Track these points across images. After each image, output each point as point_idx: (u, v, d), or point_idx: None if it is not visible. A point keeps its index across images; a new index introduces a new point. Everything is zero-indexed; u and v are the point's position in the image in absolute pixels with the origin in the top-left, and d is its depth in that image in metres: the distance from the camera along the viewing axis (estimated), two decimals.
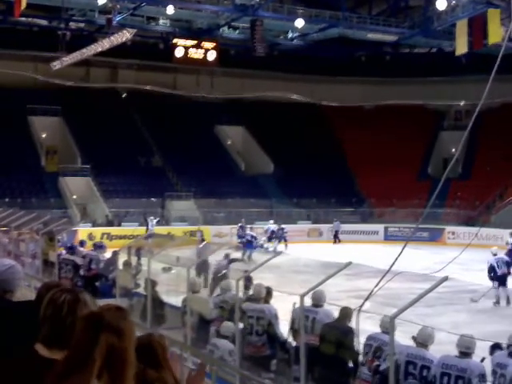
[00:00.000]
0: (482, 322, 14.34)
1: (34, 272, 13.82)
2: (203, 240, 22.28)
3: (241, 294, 8.77)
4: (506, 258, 18.15)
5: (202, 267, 13.00)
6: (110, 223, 32.47)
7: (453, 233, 33.80)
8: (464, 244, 10.41)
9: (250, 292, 9.39)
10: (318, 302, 8.06)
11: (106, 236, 29.63)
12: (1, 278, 3.86)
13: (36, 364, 2.37)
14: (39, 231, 14.21)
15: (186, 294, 9.27)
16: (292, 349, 8.05)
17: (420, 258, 22.06)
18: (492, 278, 16.87)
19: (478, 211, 35.76)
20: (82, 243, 16.99)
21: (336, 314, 7.99)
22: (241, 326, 8.29)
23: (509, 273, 17.26)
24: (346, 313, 7.54)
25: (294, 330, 8.23)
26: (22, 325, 3.09)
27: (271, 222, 30.40)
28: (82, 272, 13.69)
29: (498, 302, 16.54)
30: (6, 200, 30.99)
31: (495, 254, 17.70)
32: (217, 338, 8.44)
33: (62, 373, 2.14)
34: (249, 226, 29.80)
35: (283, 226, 30.10)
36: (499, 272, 16.96)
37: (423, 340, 6.83)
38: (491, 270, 17.01)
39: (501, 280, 16.78)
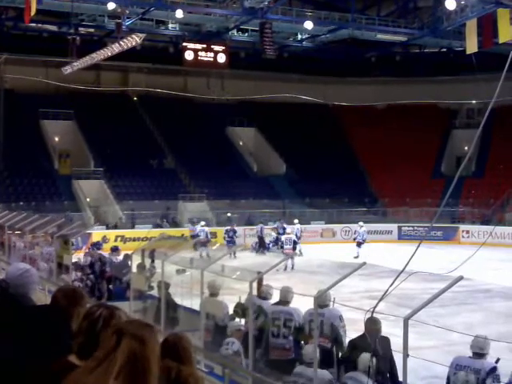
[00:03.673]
0: (496, 322, 14.24)
1: (49, 276, 13.89)
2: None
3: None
4: (295, 238, 24.96)
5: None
6: (123, 225, 32.64)
7: (467, 231, 33.60)
8: (478, 243, 10.38)
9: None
10: (323, 302, 8.03)
11: (119, 238, 29.76)
12: (16, 282, 3.89)
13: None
14: (53, 235, 14.28)
15: (201, 296, 9.23)
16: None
17: (434, 258, 21.94)
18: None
19: (492, 209, 35.56)
20: (98, 245, 17.09)
21: (344, 313, 8.00)
22: (251, 325, 8.23)
23: (294, 249, 24.46)
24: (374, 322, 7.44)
25: (303, 334, 8.23)
26: (40, 329, 3.13)
27: (296, 221, 30.10)
28: (88, 271, 13.78)
29: (285, 269, 21.82)
30: (21, 203, 31.27)
31: (287, 233, 25.72)
32: (228, 338, 8.44)
33: (84, 371, 2.20)
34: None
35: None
36: (286, 247, 24.41)
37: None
38: (277, 242, 24.82)
39: (286, 255, 22.38)
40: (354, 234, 29.02)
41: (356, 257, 26.13)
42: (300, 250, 27.25)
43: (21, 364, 2.76)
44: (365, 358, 6.85)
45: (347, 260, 24.73)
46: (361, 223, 28.66)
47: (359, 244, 27.25)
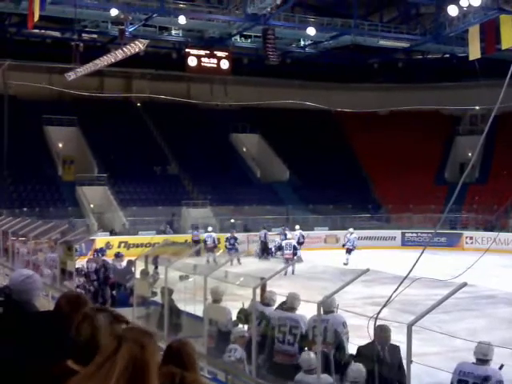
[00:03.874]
0: (500, 328, 14.20)
1: (52, 282, 13.90)
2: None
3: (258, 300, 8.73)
4: (294, 243, 25.45)
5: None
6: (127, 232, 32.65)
7: (470, 238, 33.53)
8: (482, 249, 10.34)
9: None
10: (328, 308, 8.00)
11: (123, 245, 29.78)
12: (20, 289, 3.89)
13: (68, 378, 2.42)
14: (57, 241, 14.31)
15: (203, 302, 9.22)
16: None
17: (438, 264, 21.90)
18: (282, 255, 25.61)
19: (495, 216, 35.49)
20: (102, 251, 17.16)
21: (348, 320, 7.96)
22: (254, 331, 8.21)
23: (294, 254, 24.75)
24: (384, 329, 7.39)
25: (307, 341, 8.21)
26: (43, 335, 3.14)
27: (297, 227, 30.03)
28: (94, 277, 13.83)
29: (285, 274, 20.44)
30: (24, 210, 31.32)
31: (288, 239, 26.18)
32: (231, 345, 8.41)
33: (84, 376, 2.21)
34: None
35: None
36: (286, 252, 24.84)
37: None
38: (280, 248, 25.53)
39: (286, 259, 24.18)
40: (344, 240, 28.77)
41: (345, 264, 25.99)
42: (299, 256, 27.18)
43: (21, 365, 2.76)
44: (354, 368, 6.83)
45: (351, 266, 24.72)
46: (351, 230, 28.42)
47: (349, 251, 27.08)
